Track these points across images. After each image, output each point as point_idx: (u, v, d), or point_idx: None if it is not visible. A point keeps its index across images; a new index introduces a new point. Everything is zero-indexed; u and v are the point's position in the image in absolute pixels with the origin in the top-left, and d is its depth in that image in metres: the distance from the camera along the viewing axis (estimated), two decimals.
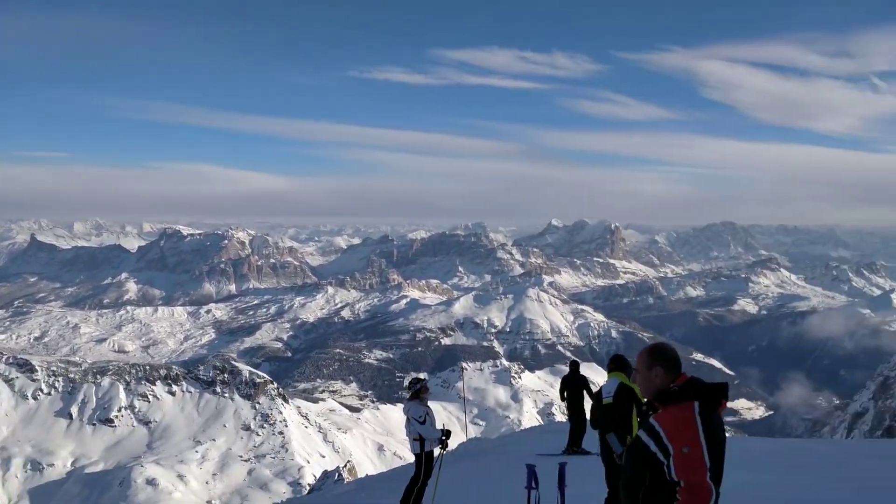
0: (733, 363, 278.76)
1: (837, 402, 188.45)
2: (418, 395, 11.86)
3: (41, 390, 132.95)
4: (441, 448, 11.90)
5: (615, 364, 10.77)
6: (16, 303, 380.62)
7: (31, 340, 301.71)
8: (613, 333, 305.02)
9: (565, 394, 17.07)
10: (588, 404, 17.50)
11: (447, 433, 11.82)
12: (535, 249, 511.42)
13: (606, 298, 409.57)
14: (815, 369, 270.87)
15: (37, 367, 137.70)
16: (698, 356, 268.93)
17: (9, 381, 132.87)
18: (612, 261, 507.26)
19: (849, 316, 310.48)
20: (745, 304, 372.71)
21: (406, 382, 12.73)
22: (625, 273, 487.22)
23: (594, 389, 12.31)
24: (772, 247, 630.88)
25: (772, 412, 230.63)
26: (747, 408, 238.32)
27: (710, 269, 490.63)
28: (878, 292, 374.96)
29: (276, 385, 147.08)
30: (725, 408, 4.13)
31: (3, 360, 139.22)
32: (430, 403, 11.87)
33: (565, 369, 17.54)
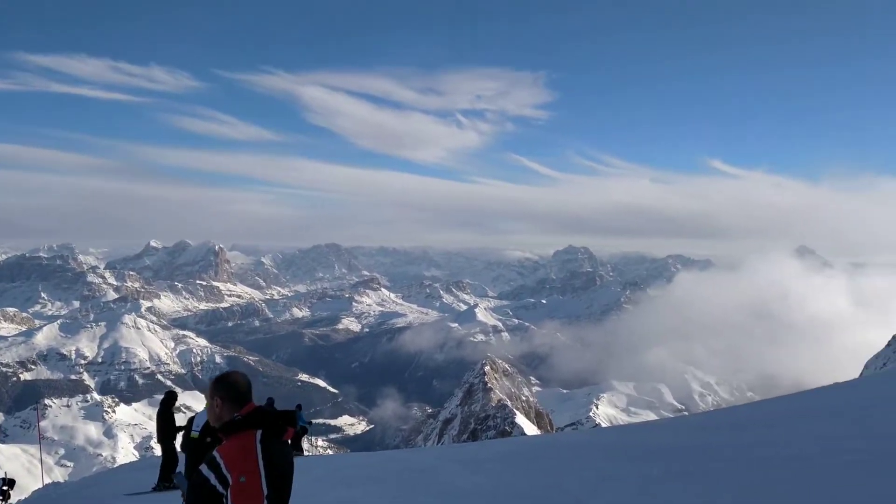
0: (337, 381, 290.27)
1: (430, 410, 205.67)
2: None
3: None
4: (2, 499, 10.69)
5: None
6: None
7: None
8: (217, 359, 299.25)
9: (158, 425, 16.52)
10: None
11: (9, 482, 10.66)
12: (131, 273, 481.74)
13: (210, 322, 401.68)
14: (411, 381, 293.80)
15: None
16: (304, 376, 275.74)
17: None
18: (216, 283, 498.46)
19: (439, 330, 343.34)
20: (349, 323, 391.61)
21: None
22: (230, 296, 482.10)
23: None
24: (373, 267, 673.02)
25: (373, 426, 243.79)
26: (350, 424, 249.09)
27: (316, 289, 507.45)
28: (464, 307, 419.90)
29: None
30: (292, 436, 4.05)
31: None
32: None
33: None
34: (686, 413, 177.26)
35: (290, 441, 4.14)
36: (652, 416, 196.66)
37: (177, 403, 16.82)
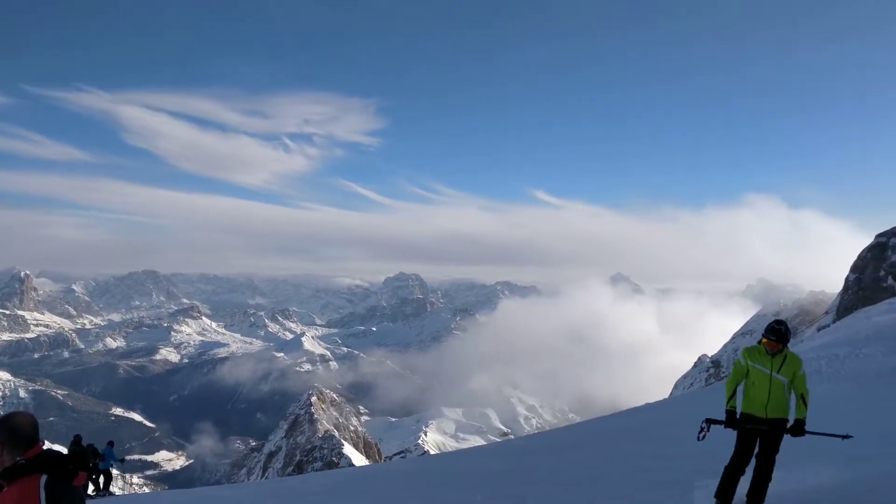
0: (154, 414, 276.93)
1: (254, 444, 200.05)
2: None
3: None
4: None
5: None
6: None
7: None
8: (22, 393, 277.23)
9: None
10: None
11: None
12: None
13: (14, 354, 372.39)
14: (233, 414, 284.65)
15: None
16: (118, 410, 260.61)
17: None
18: (21, 312, 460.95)
19: (263, 360, 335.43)
20: (168, 353, 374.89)
21: None
22: (36, 325, 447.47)
23: None
24: (194, 295, 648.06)
25: (192, 461, 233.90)
26: (168, 459, 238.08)
27: (132, 318, 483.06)
28: (290, 336, 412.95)
29: None
30: (83, 480, 3.89)
31: None
32: None
33: None
34: (511, 436, 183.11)
35: (82, 485, 3.98)
36: (479, 441, 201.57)
37: None
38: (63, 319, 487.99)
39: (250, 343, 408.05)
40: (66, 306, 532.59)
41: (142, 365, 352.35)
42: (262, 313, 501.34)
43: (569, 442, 17.13)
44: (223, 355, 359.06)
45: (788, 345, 8.11)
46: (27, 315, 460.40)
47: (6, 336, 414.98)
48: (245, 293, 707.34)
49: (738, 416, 8.07)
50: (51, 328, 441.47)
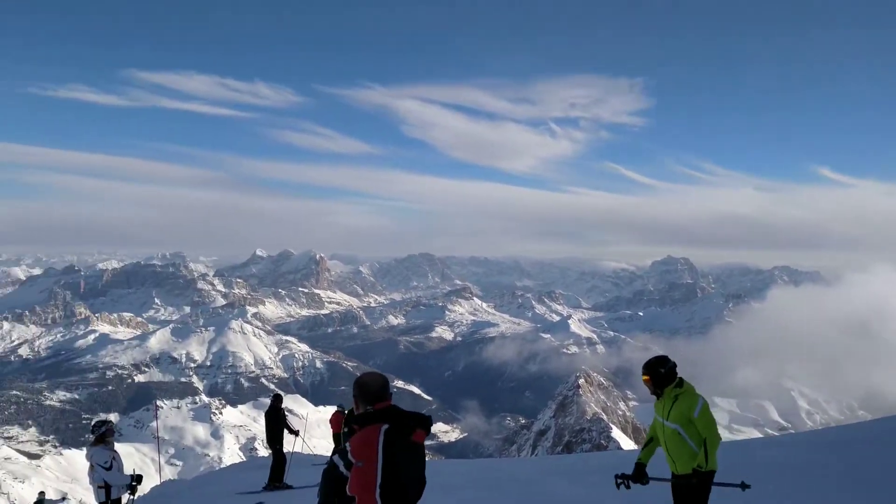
0: (431, 388, 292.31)
1: (523, 421, 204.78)
2: (103, 438, 10.93)
3: None
4: (130, 494, 11.18)
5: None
6: None
7: None
8: (318, 364, 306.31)
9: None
10: (289, 438, 18.25)
11: (137, 478, 11.04)
12: (238, 280, 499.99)
13: (311, 328, 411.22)
14: (503, 391, 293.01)
15: None
16: (399, 383, 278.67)
17: None
18: (317, 291, 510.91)
19: (530, 340, 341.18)
20: (442, 332, 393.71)
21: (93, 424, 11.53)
22: (330, 303, 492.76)
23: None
24: (465, 277, 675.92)
25: (466, 434, 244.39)
26: (444, 431, 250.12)
27: (410, 297, 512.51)
28: (557, 318, 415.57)
29: None
30: (423, 438, 4.52)
31: None
32: (122, 446, 10.95)
33: (268, 402, 17.74)
34: (791, 431, 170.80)
35: (422, 442, 4.60)
36: (756, 434, 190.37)
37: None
38: (352, 298, 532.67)
39: (518, 324, 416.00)
40: (355, 286, 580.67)
41: (419, 341, 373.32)
42: (529, 295, 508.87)
43: (864, 438, 15.91)
44: (493, 335, 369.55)
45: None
46: (322, 293, 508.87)
47: (305, 312, 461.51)
48: (513, 275, 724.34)
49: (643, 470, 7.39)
50: (342, 306, 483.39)
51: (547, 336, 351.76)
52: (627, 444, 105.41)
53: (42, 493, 29.39)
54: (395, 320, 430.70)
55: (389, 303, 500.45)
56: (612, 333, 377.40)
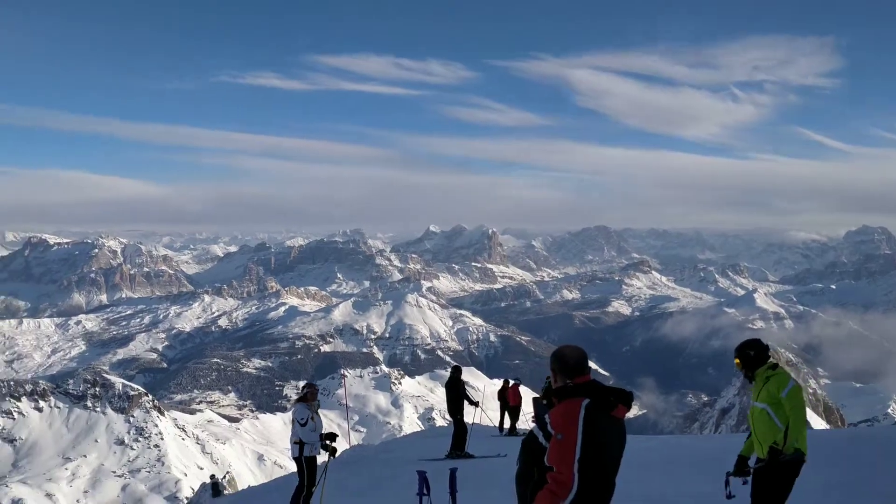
0: (609, 364, 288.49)
1: (706, 398, 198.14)
2: (306, 398, 11.78)
3: None
4: (330, 454, 11.78)
5: None
6: None
7: None
8: (492, 337, 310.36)
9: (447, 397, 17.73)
10: (468, 409, 18.83)
11: (330, 436, 11.80)
12: (413, 255, 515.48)
13: (485, 303, 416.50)
14: (683, 367, 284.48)
15: None
16: None
17: None
18: (489, 265, 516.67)
19: (713, 315, 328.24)
20: (619, 306, 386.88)
21: (299, 388, 12.56)
22: (502, 277, 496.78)
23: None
24: (643, 250, 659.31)
25: (645, 410, 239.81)
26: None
27: (585, 272, 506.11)
28: (741, 292, 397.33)
29: (151, 397, 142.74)
30: (624, 414, 4.49)
31: None
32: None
33: (444, 374, 18.38)
34: None
35: (622, 419, 4.54)
36: None
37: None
38: (524, 272, 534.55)
39: (700, 298, 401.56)
40: (527, 260, 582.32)
41: (595, 316, 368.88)
42: (711, 268, 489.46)
43: None
44: (672, 309, 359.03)
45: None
46: (494, 268, 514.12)
47: (478, 286, 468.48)
48: (694, 248, 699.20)
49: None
50: (514, 280, 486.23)
51: (731, 311, 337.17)
52: (818, 423, 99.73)
53: (213, 476, 31.59)
54: (570, 295, 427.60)
55: (563, 277, 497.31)
56: (801, 308, 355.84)
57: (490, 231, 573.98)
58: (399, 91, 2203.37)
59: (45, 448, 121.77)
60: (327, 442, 11.67)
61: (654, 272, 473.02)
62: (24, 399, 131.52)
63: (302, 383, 13.21)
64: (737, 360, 7.12)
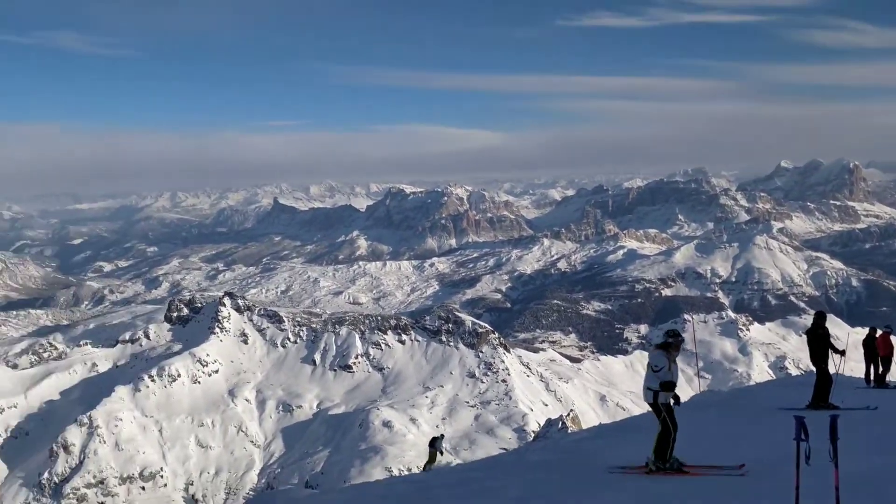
0: None
1: None
2: (666, 346, 11.25)
3: (289, 339, 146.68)
4: (675, 403, 11.35)
5: None
6: (263, 260, 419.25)
7: (278, 294, 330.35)
8: (854, 282, 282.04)
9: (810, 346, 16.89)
10: (833, 358, 17.53)
11: (667, 385, 11.04)
12: (762, 194, 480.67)
13: (845, 244, 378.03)
14: None
15: (284, 318, 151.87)
16: None
17: (261, 331, 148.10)
18: (851, 203, 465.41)
19: None
20: None
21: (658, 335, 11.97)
22: (866, 216, 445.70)
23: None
24: None
25: None
26: None
27: None
28: None
29: (497, 335, 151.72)
30: None
31: (256, 312, 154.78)
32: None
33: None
34: None
35: None
36: None
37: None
38: (893, 210, 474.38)
39: None
40: None
41: None
42: None
43: None
44: None
45: None
46: (857, 206, 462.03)
47: (837, 227, 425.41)
48: None
49: None
50: (880, 219, 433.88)
51: None
52: None
53: (442, 436, 32.09)
54: None
55: None
56: None
57: (851, 165, 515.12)
58: (743, 18, 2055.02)
59: (408, 377, 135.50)
60: (676, 394, 11.26)
61: None
62: (389, 332, 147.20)
63: (644, 327, 12.68)
64: None
